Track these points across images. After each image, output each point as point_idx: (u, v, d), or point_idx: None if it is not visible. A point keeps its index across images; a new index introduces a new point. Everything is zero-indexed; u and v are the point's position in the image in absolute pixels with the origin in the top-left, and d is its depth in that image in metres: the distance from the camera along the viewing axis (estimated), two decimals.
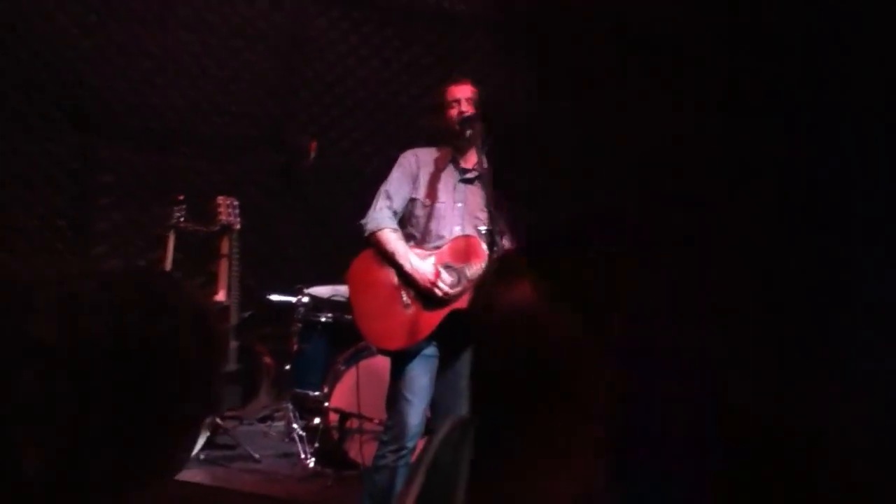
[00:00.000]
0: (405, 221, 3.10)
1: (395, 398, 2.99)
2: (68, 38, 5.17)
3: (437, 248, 3.05)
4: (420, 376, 2.97)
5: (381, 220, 3.03)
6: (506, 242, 3.00)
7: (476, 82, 3.13)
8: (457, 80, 3.12)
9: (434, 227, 3.05)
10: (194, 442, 0.87)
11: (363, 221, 3.06)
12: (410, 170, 3.10)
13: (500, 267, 1.23)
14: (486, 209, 2.85)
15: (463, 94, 3.05)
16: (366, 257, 3.05)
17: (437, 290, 2.94)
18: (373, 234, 3.03)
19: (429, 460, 1.21)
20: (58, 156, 5.19)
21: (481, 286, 1.25)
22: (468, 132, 2.99)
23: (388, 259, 2.99)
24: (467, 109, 3.02)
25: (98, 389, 0.76)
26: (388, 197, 3.06)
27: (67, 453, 0.75)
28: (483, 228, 2.92)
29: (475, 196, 3.08)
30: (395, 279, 3.00)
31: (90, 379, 0.76)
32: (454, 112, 3.04)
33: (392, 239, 3.01)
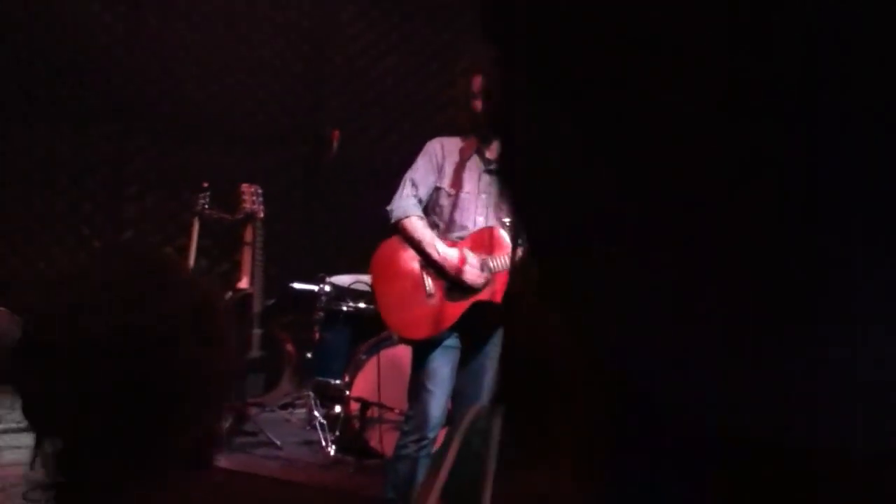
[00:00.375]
0: (429, 210, 3.09)
1: (416, 389, 2.99)
2: (104, 28, 5.24)
3: (461, 238, 3.04)
4: (442, 367, 2.96)
5: (408, 207, 3.02)
6: None
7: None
8: (482, 69, 3.09)
9: (458, 216, 3.04)
10: (202, 438, 0.84)
11: (389, 208, 3.05)
12: (436, 158, 3.08)
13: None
14: None
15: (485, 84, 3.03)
16: (390, 245, 3.05)
17: (467, 277, 2.93)
18: (399, 221, 3.01)
19: (455, 449, 1.23)
20: (90, 143, 5.26)
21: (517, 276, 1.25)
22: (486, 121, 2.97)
23: (415, 247, 2.98)
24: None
25: (97, 389, 0.75)
26: (414, 185, 3.05)
27: (67, 453, 0.75)
28: (507, 220, 2.91)
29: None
30: (420, 268, 2.99)
31: (89, 379, 0.75)
32: (478, 104, 3.01)
33: (419, 227, 3.00)
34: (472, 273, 2.94)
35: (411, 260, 3.00)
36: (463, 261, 2.94)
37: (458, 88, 3.10)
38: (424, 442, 2.94)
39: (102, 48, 5.23)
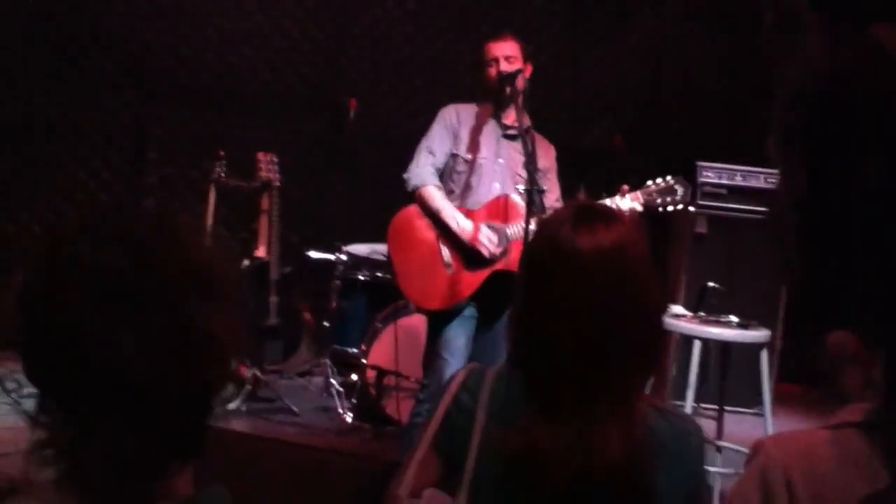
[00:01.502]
0: (445, 177, 3.08)
1: (432, 358, 3.01)
2: None
3: (476, 206, 3.03)
4: (458, 336, 2.97)
5: (425, 176, 3.01)
6: (551, 200, 2.97)
7: (520, 37, 3.07)
8: (497, 37, 3.05)
9: (475, 182, 3.03)
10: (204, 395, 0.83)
11: (406, 176, 3.05)
12: (451, 125, 3.07)
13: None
14: (526, 168, 2.81)
15: (501, 52, 2.99)
16: (408, 213, 3.04)
17: (483, 249, 2.92)
18: (416, 189, 3.01)
19: (446, 404, 1.28)
20: (109, 111, 5.28)
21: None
22: (507, 90, 2.94)
23: (433, 216, 2.98)
24: (506, 67, 2.96)
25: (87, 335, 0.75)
26: (431, 152, 3.04)
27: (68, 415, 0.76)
28: (522, 187, 2.89)
29: (516, 153, 3.04)
30: (437, 238, 2.99)
31: (85, 325, 0.74)
32: (493, 71, 2.99)
33: (437, 196, 2.99)
34: (489, 245, 2.93)
35: (428, 229, 2.99)
36: (480, 232, 2.94)
37: (477, 53, 3.08)
38: (440, 393, 2.97)
39: (121, 15, 5.22)
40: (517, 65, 2.97)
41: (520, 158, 3.01)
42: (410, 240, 3.01)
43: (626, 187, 2.98)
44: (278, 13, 5.46)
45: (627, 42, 5.93)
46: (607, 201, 2.95)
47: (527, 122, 2.92)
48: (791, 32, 0.68)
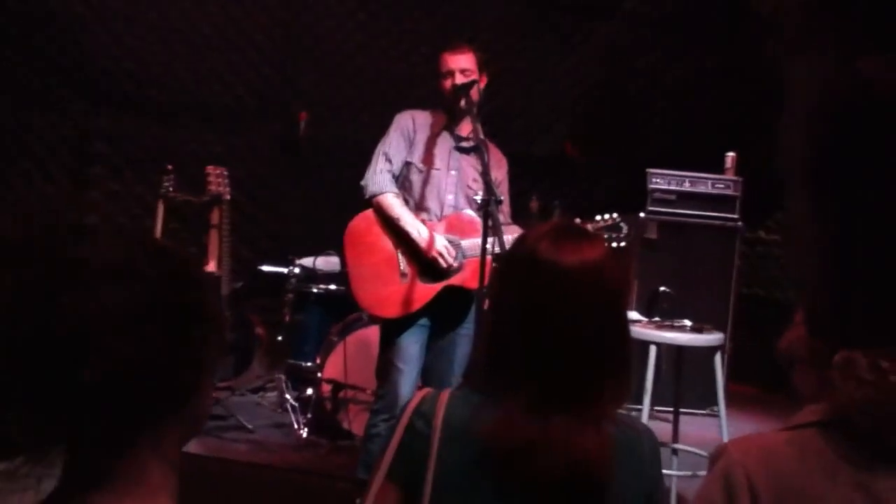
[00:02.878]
0: (398, 185, 3.05)
1: (385, 367, 2.98)
2: (67, 4, 5.10)
3: (434, 218, 3.02)
4: (411, 345, 2.96)
5: (384, 183, 2.98)
6: (503, 214, 2.97)
7: (476, 47, 3.06)
8: (452, 48, 3.03)
9: (427, 193, 3.02)
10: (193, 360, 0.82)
11: (363, 183, 3.02)
12: (407, 131, 3.04)
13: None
14: (481, 178, 2.83)
15: (457, 65, 2.99)
16: (365, 218, 3.00)
17: (441, 261, 2.91)
18: (374, 196, 2.98)
19: (400, 432, 1.30)
20: (54, 123, 5.14)
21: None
22: (462, 102, 2.94)
23: (392, 224, 2.95)
24: (461, 80, 2.96)
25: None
26: (388, 159, 3.01)
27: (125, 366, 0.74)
28: (478, 198, 2.89)
29: (469, 165, 3.05)
30: (394, 246, 2.96)
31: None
32: (448, 83, 2.99)
33: (397, 204, 2.96)
34: (448, 259, 2.92)
35: (386, 237, 2.97)
36: (438, 242, 2.92)
37: (435, 62, 3.06)
38: (394, 421, 2.93)
39: (64, 26, 5.10)
40: (472, 77, 2.97)
41: (472, 171, 3.02)
42: (367, 246, 2.98)
43: (577, 220, 3.01)
44: (226, 24, 5.39)
45: (579, 51, 6.01)
46: None
47: (481, 132, 2.91)
48: (796, 55, 0.68)
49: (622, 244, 3.03)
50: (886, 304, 0.69)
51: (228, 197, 4.10)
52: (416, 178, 3.02)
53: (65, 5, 5.10)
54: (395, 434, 1.34)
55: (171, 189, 4.05)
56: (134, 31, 5.22)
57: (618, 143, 5.97)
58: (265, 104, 5.47)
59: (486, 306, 3.92)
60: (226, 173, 4.14)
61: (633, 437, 1.31)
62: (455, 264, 2.94)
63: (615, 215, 3.04)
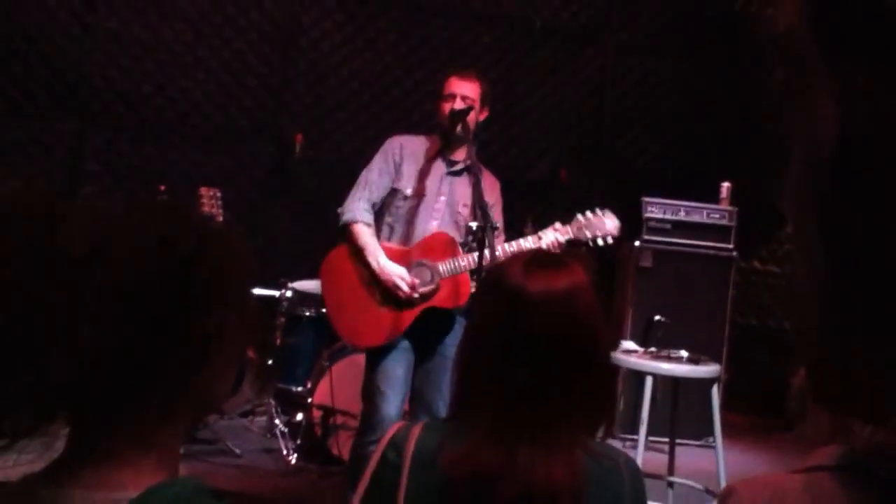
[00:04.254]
0: (385, 210, 3.03)
1: (370, 391, 2.96)
2: (61, 25, 5.10)
3: (411, 244, 2.99)
4: (395, 368, 2.93)
5: (357, 212, 2.97)
6: (499, 239, 2.94)
7: (484, 80, 3.05)
8: (461, 74, 3.03)
9: (413, 219, 3.00)
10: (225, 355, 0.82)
11: (340, 210, 3.01)
12: (394, 158, 3.03)
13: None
14: (470, 204, 2.83)
15: (460, 90, 2.98)
16: (340, 252, 3.00)
17: (399, 293, 2.88)
18: (346, 225, 2.97)
19: (374, 463, 1.32)
20: (46, 142, 5.12)
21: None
22: (458, 127, 2.93)
23: (359, 253, 2.94)
24: (460, 105, 2.95)
25: (128, 305, 0.73)
26: (368, 188, 3.00)
27: (100, 359, 0.72)
28: (473, 225, 2.87)
29: (460, 189, 3.04)
30: (369, 275, 2.94)
31: (120, 296, 0.73)
32: (446, 106, 2.98)
33: (364, 233, 2.95)
34: (406, 290, 2.89)
35: (361, 267, 2.95)
36: (399, 277, 2.89)
37: (438, 84, 3.05)
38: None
39: (58, 46, 5.09)
40: (471, 104, 2.95)
41: (463, 196, 3.01)
42: (344, 275, 2.96)
43: (557, 224, 3.00)
44: (220, 45, 5.39)
45: (572, 78, 6.04)
46: (529, 239, 2.95)
47: (474, 158, 2.89)
48: (801, 88, 0.65)
49: (608, 241, 3.01)
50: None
51: (221, 218, 4.07)
52: (402, 205, 3.00)
53: (59, 25, 5.10)
54: (370, 464, 1.34)
55: None
56: (128, 52, 5.21)
57: (613, 170, 5.98)
58: (258, 126, 5.46)
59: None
60: (219, 194, 4.11)
61: (611, 468, 1.27)
62: (425, 290, 2.91)
63: (598, 211, 3.04)
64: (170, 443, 0.80)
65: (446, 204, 3.03)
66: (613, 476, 1.26)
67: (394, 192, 3.01)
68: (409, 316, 2.91)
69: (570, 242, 2.97)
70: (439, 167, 3.04)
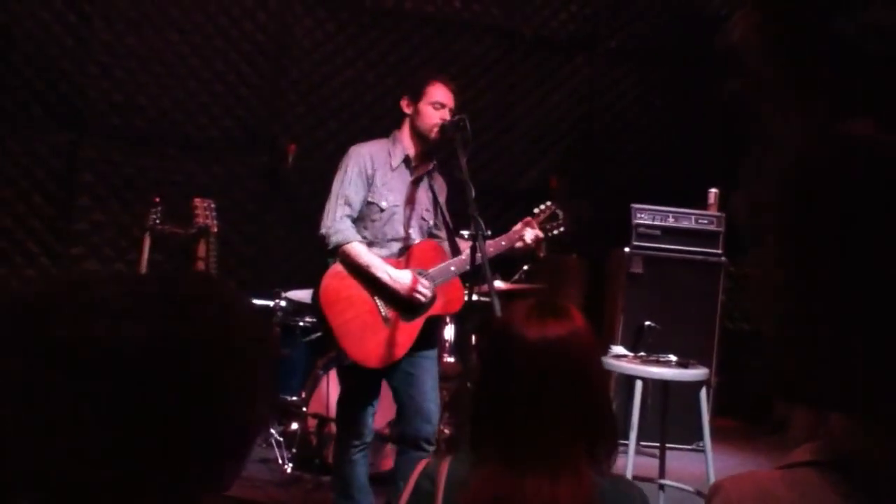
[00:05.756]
0: (359, 223, 2.99)
1: (351, 398, 3.02)
2: (53, 36, 5.12)
3: (399, 254, 3.02)
4: (375, 376, 2.96)
5: (347, 232, 2.91)
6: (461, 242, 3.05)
7: (455, 89, 3.08)
8: (446, 83, 3.03)
9: (389, 230, 2.99)
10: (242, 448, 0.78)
11: (324, 232, 2.92)
12: (366, 171, 2.98)
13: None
14: (432, 209, 3.02)
15: (449, 101, 3.00)
16: (335, 275, 2.92)
17: (418, 297, 2.91)
18: (339, 246, 2.90)
19: (408, 493, 1.44)
20: (39, 154, 5.13)
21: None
22: (450, 138, 2.95)
23: (362, 272, 2.90)
24: (448, 117, 2.98)
25: (131, 396, 0.67)
26: (348, 203, 2.94)
27: (98, 461, 0.66)
28: (465, 233, 2.94)
29: (422, 195, 3.07)
30: (370, 294, 2.92)
31: (123, 385, 0.67)
32: (434, 114, 2.99)
33: (363, 252, 2.90)
34: (425, 293, 2.93)
35: (359, 286, 2.92)
36: (416, 281, 2.92)
37: (417, 84, 3.05)
38: (364, 447, 3.02)
39: (52, 58, 5.11)
40: (461, 117, 2.97)
41: (425, 202, 3.08)
42: (345, 301, 2.90)
43: (529, 219, 3.11)
44: (213, 55, 5.42)
45: (561, 86, 6.10)
46: (512, 235, 3.08)
47: (433, 163, 2.99)
48: (755, 99, 0.69)
49: (561, 230, 3.13)
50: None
51: (216, 230, 4.09)
52: (376, 216, 2.98)
53: (53, 37, 5.13)
54: (402, 497, 1.48)
55: (158, 221, 4.05)
56: (121, 63, 5.24)
57: (602, 178, 6.04)
58: (252, 136, 5.49)
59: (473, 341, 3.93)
60: (213, 205, 4.13)
61: (625, 491, 1.43)
62: (430, 295, 2.95)
63: (549, 203, 3.18)
64: None
65: (413, 211, 3.05)
66: (628, 498, 1.42)
67: (369, 206, 2.98)
68: (416, 327, 2.94)
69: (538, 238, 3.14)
70: (405, 175, 3.05)
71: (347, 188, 2.96)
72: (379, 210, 2.99)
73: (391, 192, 3.00)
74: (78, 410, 0.65)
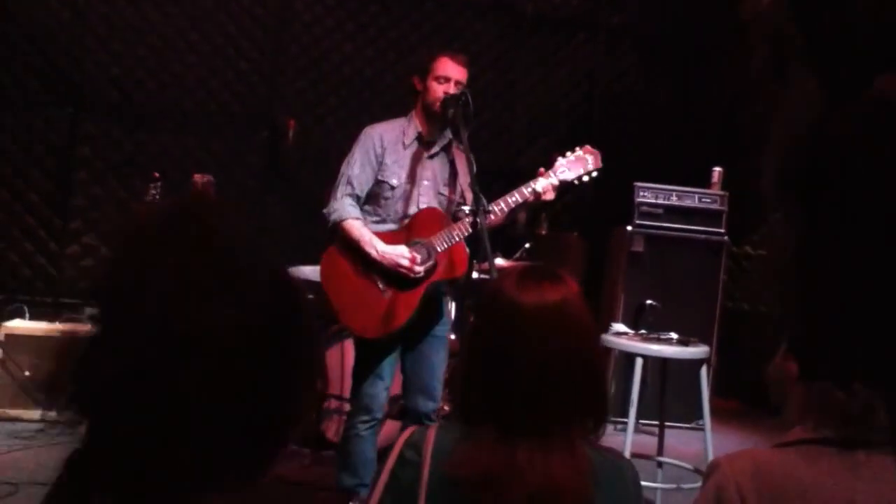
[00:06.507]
0: (373, 202, 3.02)
1: (362, 373, 3.00)
2: (51, 11, 5.08)
3: (401, 225, 3.01)
4: (387, 350, 2.97)
5: (344, 210, 2.95)
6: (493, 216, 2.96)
7: (468, 64, 3.05)
8: (454, 57, 3.01)
9: (401, 207, 3.01)
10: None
11: (326, 211, 2.99)
12: (374, 151, 3.01)
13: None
14: (450, 184, 2.94)
15: (456, 75, 2.97)
16: (330, 253, 3.00)
17: (403, 271, 2.90)
18: (337, 224, 2.95)
19: (392, 462, 1.38)
20: (37, 128, 5.10)
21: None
22: (450, 112, 2.93)
23: (355, 248, 2.93)
24: (454, 90, 2.95)
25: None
26: (350, 183, 2.98)
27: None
28: (466, 208, 2.90)
29: (440, 171, 3.06)
30: (366, 267, 2.94)
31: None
32: (440, 88, 2.96)
33: (356, 226, 2.94)
34: (414, 268, 2.91)
35: (356, 261, 2.95)
36: (401, 255, 2.91)
37: (425, 62, 3.02)
38: (373, 423, 2.99)
39: (49, 33, 5.07)
40: (464, 89, 2.94)
41: (443, 176, 3.05)
42: (343, 275, 2.95)
43: (542, 170, 3.05)
44: (212, 31, 5.38)
45: (563, 64, 6.05)
46: (526, 188, 2.99)
47: (462, 142, 2.90)
48: (782, 75, 0.67)
49: (592, 175, 3.11)
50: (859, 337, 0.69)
51: None
52: (388, 194, 3.00)
53: (50, 12, 5.08)
54: (386, 466, 1.41)
55: (157, 197, 4.03)
56: (120, 38, 5.20)
57: (604, 155, 6.00)
58: (251, 112, 5.45)
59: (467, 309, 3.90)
60: (213, 181, 4.12)
61: (616, 463, 1.40)
62: (425, 267, 2.93)
63: (578, 150, 3.11)
64: None
65: (430, 188, 3.04)
66: (619, 470, 1.38)
67: (379, 184, 3.00)
68: (415, 296, 2.93)
69: (561, 184, 3.03)
70: (419, 152, 3.04)
71: (353, 168, 3.00)
72: (390, 188, 3.00)
73: (402, 170, 3.00)
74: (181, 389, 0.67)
